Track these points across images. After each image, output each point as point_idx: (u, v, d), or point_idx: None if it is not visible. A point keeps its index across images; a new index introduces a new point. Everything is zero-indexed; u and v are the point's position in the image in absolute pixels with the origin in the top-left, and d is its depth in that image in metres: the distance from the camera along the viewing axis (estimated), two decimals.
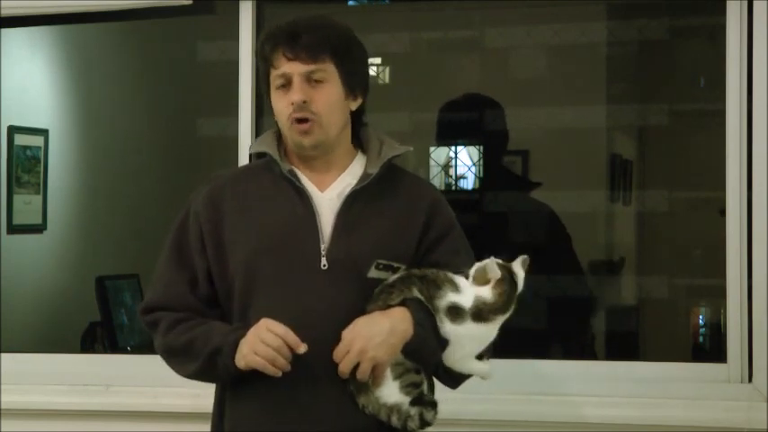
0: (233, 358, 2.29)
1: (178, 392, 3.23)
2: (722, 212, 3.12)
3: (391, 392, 2.31)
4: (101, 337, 4.49)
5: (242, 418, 2.36)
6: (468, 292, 2.30)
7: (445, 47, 4.70)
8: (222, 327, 2.35)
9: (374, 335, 2.26)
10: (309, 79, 2.33)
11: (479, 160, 4.48)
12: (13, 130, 4.50)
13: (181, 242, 2.41)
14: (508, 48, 4.44)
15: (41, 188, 4.73)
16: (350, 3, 4.56)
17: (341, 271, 2.32)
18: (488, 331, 2.32)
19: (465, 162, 4.68)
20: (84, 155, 5.01)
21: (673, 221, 4.30)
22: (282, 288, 2.32)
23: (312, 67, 2.32)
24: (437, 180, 4.66)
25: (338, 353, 2.28)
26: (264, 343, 2.23)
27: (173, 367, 2.45)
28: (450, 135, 4.20)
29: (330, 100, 2.34)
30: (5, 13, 3.54)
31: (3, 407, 3.38)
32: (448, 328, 2.30)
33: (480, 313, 2.28)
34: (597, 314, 4.01)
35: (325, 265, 2.32)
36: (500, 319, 2.31)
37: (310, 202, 2.35)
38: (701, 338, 3.83)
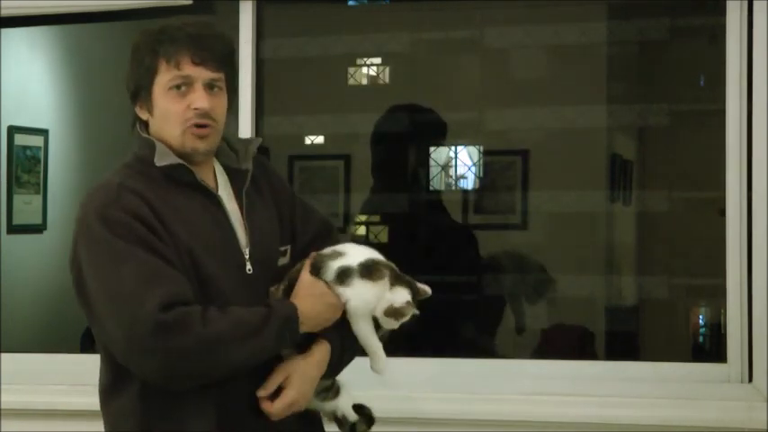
0: (297, 325, 2.29)
1: None
2: (722, 212, 3.12)
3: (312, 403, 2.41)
4: None
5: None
6: (354, 256, 2.35)
7: (445, 47, 4.70)
8: (258, 307, 2.29)
9: (306, 390, 2.35)
10: (210, 87, 2.33)
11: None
12: (13, 130, 4.50)
13: (137, 234, 2.24)
14: (508, 48, 4.44)
15: (41, 188, 4.74)
16: (350, 3, 4.56)
17: (261, 271, 2.36)
18: (376, 291, 2.32)
19: (465, 162, 4.68)
20: (84, 155, 5.01)
21: (673, 221, 4.30)
22: (222, 293, 2.30)
23: (215, 75, 2.33)
24: (437, 180, 4.66)
25: (267, 394, 2.32)
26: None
27: (221, 357, 2.23)
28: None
29: (224, 109, 2.38)
30: (5, 13, 3.54)
31: (3, 407, 3.38)
32: (339, 291, 2.32)
33: (368, 269, 2.32)
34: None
35: (249, 270, 2.35)
36: (384, 283, 2.32)
37: (223, 205, 2.37)
38: (700, 338, 3.83)
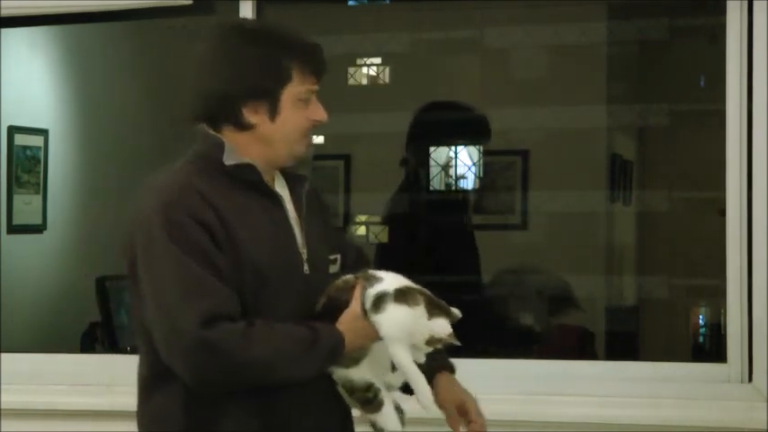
0: (341, 354, 2.28)
1: None
2: (722, 212, 3.12)
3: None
4: (101, 337, 4.49)
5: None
6: (390, 282, 2.33)
7: (445, 47, 4.70)
8: (306, 327, 2.28)
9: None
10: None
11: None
12: (13, 130, 4.50)
13: (195, 245, 2.23)
14: (508, 48, 4.44)
15: (41, 188, 4.74)
16: (350, 3, 4.56)
17: (316, 272, 2.37)
18: (411, 317, 2.31)
19: (465, 162, 4.68)
20: (84, 155, 5.02)
21: (673, 221, 4.30)
22: (280, 292, 2.31)
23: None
24: (437, 180, 4.66)
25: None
26: None
27: (258, 379, 2.24)
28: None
29: None
30: (5, 13, 3.54)
31: (3, 407, 3.38)
32: (375, 319, 2.29)
33: (403, 294, 2.29)
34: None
35: (307, 270, 2.35)
36: (420, 310, 2.31)
37: (284, 206, 2.37)
38: (700, 338, 3.83)
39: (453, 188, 4.65)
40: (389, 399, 2.36)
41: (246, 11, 3.41)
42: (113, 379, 3.41)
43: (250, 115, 2.30)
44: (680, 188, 4.13)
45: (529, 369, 3.25)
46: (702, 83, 4.18)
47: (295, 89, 2.31)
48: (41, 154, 4.72)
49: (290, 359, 2.23)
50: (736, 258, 3.06)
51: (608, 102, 4.36)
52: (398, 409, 2.39)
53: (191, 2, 3.43)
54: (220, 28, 2.39)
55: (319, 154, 4.92)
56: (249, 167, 2.32)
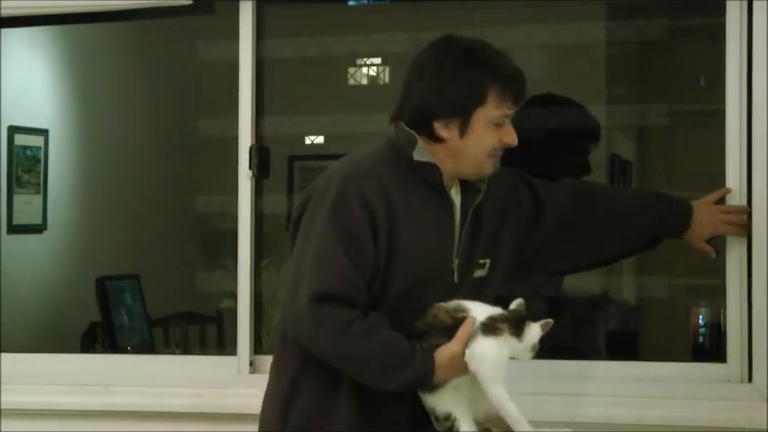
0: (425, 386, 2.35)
1: (178, 392, 3.24)
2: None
3: None
4: (101, 337, 4.49)
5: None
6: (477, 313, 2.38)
7: None
8: (407, 346, 2.33)
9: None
10: None
11: None
12: (13, 130, 4.51)
13: (350, 226, 2.33)
14: (508, 48, 4.43)
15: (41, 188, 4.74)
16: (350, 2, 4.56)
17: (463, 282, 2.46)
18: (500, 350, 2.33)
19: None
20: (85, 155, 5.02)
21: None
22: (426, 294, 2.38)
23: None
24: None
25: None
26: None
27: (344, 368, 2.36)
28: None
29: None
30: (5, 13, 3.54)
31: (3, 407, 3.38)
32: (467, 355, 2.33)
33: (490, 325, 2.32)
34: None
35: (456, 279, 2.44)
36: (506, 338, 2.32)
37: (454, 215, 2.45)
38: (700, 338, 3.83)
39: None
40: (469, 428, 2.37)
41: (246, 11, 3.41)
42: (113, 379, 3.41)
43: (441, 129, 2.40)
44: (680, 188, 4.12)
45: (529, 369, 3.24)
46: (702, 83, 4.18)
47: (490, 112, 2.39)
48: (41, 154, 4.72)
49: (377, 368, 2.31)
50: (736, 258, 3.06)
51: (608, 102, 4.35)
52: None
53: (191, 2, 3.43)
54: (438, 39, 2.49)
55: (319, 154, 4.93)
56: (433, 167, 2.40)
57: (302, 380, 2.41)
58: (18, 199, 4.59)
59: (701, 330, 3.84)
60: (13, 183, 4.55)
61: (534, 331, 2.34)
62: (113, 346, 4.41)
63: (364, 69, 5.07)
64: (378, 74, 4.98)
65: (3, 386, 3.41)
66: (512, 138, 2.44)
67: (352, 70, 5.05)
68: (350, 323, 2.28)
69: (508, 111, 2.42)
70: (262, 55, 3.47)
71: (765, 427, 2.96)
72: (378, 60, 4.90)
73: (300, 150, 4.85)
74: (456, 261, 2.43)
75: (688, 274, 3.95)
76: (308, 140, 4.94)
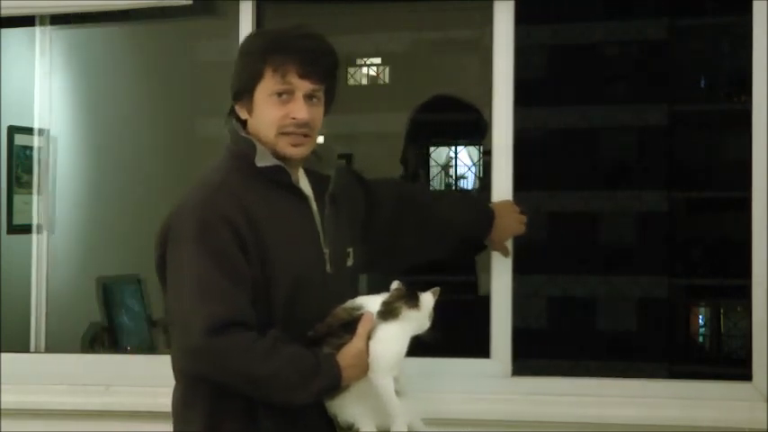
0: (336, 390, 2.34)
1: None
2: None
3: None
4: (101, 337, 4.49)
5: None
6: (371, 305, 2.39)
7: (445, 47, 4.70)
8: (311, 356, 2.33)
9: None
10: (310, 97, 2.42)
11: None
12: (13, 130, 4.50)
13: (219, 249, 2.31)
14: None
15: (46, 187, 4.73)
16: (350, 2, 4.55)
17: (336, 271, 2.46)
18: (398, 331, 2.34)
19: (465, 162, 4.68)
20: (85, 155, 5.02)
21: (673, 221, 4.30)
22: (306, 291, 2.38)
23: (316, 87, 2.42)
24: (437, 180, 4.66)
25: None
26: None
27: (253, 393, 2.32)
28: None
29: (320, 119, 2.48)
30: (5, 13, 3.54)
31: (3, 407, 3.38)
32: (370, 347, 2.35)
33: (386, 309, 2.34)
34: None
35: (329, 269, 2.44)
36: (405, 315, 2.33)
37: (311, 206, 2.46)
38: (701, 338, 3.83)
39: (453, 188, 4.65)
40: None
41: (246, 11, 3.41)
42: (113, 379, 3.41)
43: (240, 111, 2.45)
44: (680, 188, 4.13)
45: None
46: (702, 83, 4.18)
47: (266, 86, 2.40)
48: (44, 154, 4.71)
49: (287, 384, 2.29)
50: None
51: (608, 102, 4.36)
52: None
53: (191, 2, 3.43)
54: None
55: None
56: (280, 169, 2.41)
57: (218, 414, 2.36)
58: (18, 199, 4.58)
59: (701, 330, 3.85)
60: (13, 183, 4.55)
61: (428, 298, 2.37)
62: (113, 346, 4.41)
63: (364, 69, 5.07)
64: (378, 74, 4.99)
65: (3, 386, 3.41)
66: (300, 112, 2.40)
67: (352, 70, 5.05)
68: (251, 346, 2.26)
69: (284, 82, 2.39)
70: None
71: (765, 427, 2.96)
72: (378, 60, 4.90)
73: None
74: (327, 251, 2.44)
75: (688, 274, 3.96)
76: None
